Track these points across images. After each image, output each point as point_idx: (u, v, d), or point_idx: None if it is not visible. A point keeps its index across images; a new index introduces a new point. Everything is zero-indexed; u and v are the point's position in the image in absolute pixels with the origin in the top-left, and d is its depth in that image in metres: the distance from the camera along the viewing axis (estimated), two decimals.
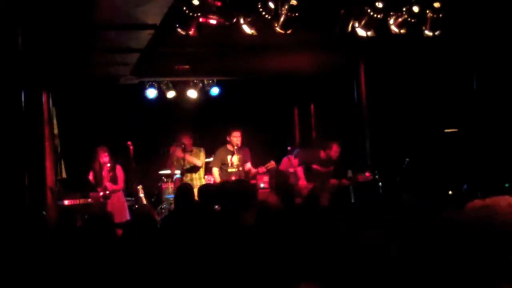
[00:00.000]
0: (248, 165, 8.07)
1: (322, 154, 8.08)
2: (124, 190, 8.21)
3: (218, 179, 7.96)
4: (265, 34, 6.37)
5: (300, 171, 8.13)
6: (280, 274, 2.79)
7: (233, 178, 7.65)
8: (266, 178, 8.03)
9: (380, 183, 7.81)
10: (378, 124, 8.62)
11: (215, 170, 8.05)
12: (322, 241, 2.81)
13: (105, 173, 7.83)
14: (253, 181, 8.00)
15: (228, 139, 7.95)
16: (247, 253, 3.14)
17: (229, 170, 7.90)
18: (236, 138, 7.91)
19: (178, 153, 7.95)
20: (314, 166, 8.04)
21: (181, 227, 4.47)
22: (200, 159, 8.05)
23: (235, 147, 7.89)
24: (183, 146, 7.91)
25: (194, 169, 8.05)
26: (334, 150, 8.03)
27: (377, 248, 2.34)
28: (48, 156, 7.97)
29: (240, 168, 7.90)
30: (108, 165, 7.86)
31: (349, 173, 8.01)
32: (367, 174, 7.98)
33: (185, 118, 10.11)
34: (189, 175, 8.04)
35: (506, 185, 5.05)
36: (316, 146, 8.72)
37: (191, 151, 8.02)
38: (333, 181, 7.76)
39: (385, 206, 4.20)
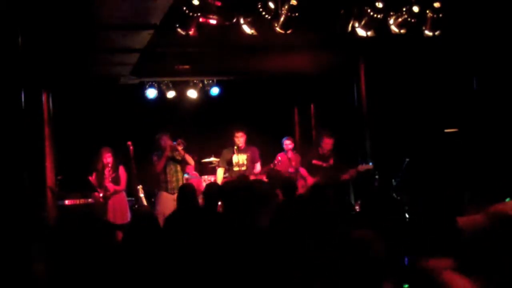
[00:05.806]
0: (258, 166, 8.07)
1: (320, 149, 8.15)
2: (125, 190, 8.19)
3: (219, 180, 7.97)
4: (265, 34, 6.36)
5: (304, 171, 8.19)
6: (291, 273, 2.78)
7: None
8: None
9: (379, 183, 7.81)
10: (378, 124, 8.62)
11: (219, 171, 8.11)
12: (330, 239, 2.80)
13: (106, 173, 7.80)
14: None
15: (233, 139, 7.98)
16: (261, 254, 3.13)
17: (234, 169, 7.94)
18: (238, 138, 7.93)
19: (180, 151, 7.88)
20: (314, 162, 8.10)
21: (184, 227, 4.47)
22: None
23: (236, 147, 7.93)
24: (181, 144, 7.85)
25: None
26: (325, 142, 8.09)
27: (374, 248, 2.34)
28: (48, 156, 7.97)
29: (244, 168, 7.91)
30: (110, 165, 7.84)
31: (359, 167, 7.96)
32: (365, 166, 7.93)
33: (185, 118, 10.12)
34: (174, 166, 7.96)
35: (507, 199, 5.00)
36: (315, 142, 8.79)
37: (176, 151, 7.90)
38: (345, 177, 7.79)
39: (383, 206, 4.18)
